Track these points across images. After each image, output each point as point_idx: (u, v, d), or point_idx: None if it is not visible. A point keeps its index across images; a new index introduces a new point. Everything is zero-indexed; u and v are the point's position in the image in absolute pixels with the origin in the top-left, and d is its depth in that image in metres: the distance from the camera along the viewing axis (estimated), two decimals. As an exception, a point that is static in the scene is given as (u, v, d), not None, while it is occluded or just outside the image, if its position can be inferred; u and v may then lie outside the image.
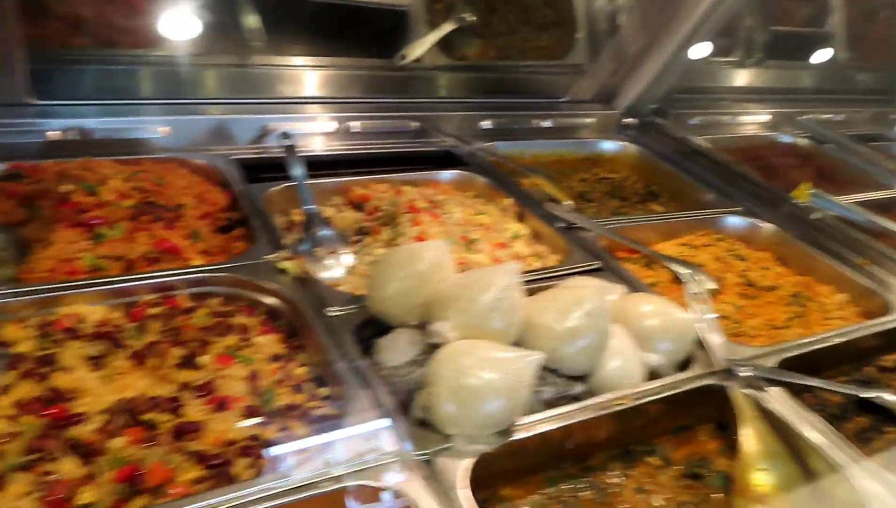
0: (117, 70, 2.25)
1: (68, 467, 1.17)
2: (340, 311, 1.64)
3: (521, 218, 2.28)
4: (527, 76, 3.12)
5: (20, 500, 1.11)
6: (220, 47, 2.42)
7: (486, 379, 1.35)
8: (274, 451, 1.26)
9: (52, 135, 2.03)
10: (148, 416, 1.28)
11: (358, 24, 2.68)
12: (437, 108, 2.81)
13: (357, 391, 1.42)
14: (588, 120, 3.13)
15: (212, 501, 1.12)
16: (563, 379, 1.54)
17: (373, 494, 1.23)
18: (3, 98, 2.01)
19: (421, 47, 2.78)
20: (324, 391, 1.47)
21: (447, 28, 2.85)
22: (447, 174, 2.44)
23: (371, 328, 1.62)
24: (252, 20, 2.44)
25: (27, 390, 1.28)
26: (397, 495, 1.22)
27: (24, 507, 1.10)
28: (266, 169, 2.24)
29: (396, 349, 1.54)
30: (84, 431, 1.22)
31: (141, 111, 2.19)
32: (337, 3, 2.64)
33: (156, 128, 2.17)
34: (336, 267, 1.90)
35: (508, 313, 1.49)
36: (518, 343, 1.50)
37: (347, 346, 1.53)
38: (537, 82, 3.14)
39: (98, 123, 2.11)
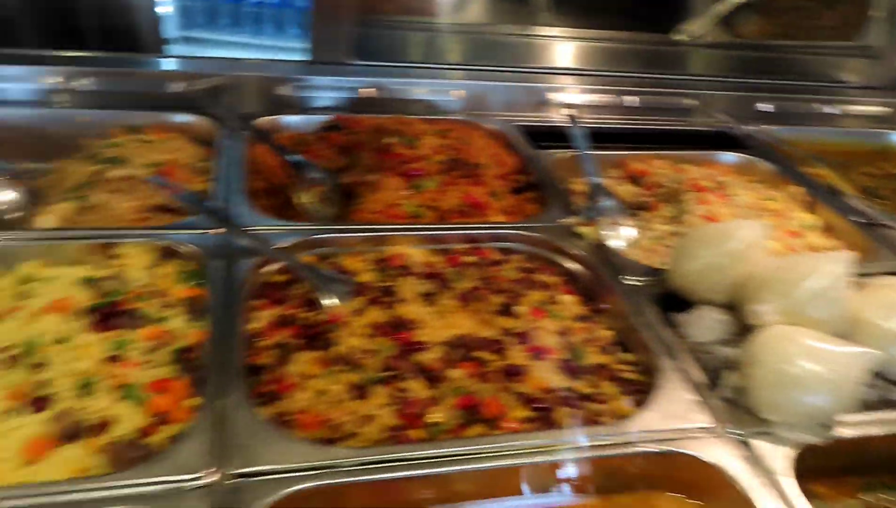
0: (418, 36, 2.42)
1: (417, 387, 1.30)
2: (637, 280, 1.66)
3: (811, 208, 2.14)
4: (810, 57, 2.90)
5: (381, 409, 1.26)
6: (508, 17, 2.51)
7: (811, 370, 1.29)
8: (593, 407, 1.32)
9: (364, 92, 2.23)
10: (478, 353, 1.38)
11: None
12: (713, 86, 2.71)
13: (664, 361, 1.42)
14: (878, 109, 2.83)
15: (546, 441, 1.20)
16: (884, 382, 1.44)
17: (691, 461, 1.24)
18: (329, 58, 2.24)
19: (702, 23, 2.69)
20: (628, 356, 1.50)
21: (731, 3, 2.72)
22: (728, 156, 2.35)
23: (669, 301, 1.62)
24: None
25: (376, 314, 1.44)
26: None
27: (384, 416, 1.25)
28: (546, 137, 2.30)
29: (702, 326, 1.52)
30: (427, 358, 1.36)
31: (438, 75, 2.34)
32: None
33: (450, 91, 2.30)
34: (619, 238, 1.93)
35: (834, 304, 1.41)
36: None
37: (649, 315, 1.55)
38: (822, 64, 2.91)
39: (401, 84, 2.29)
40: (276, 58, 2.35)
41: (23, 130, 1.95)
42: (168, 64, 2.11)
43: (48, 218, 1.61)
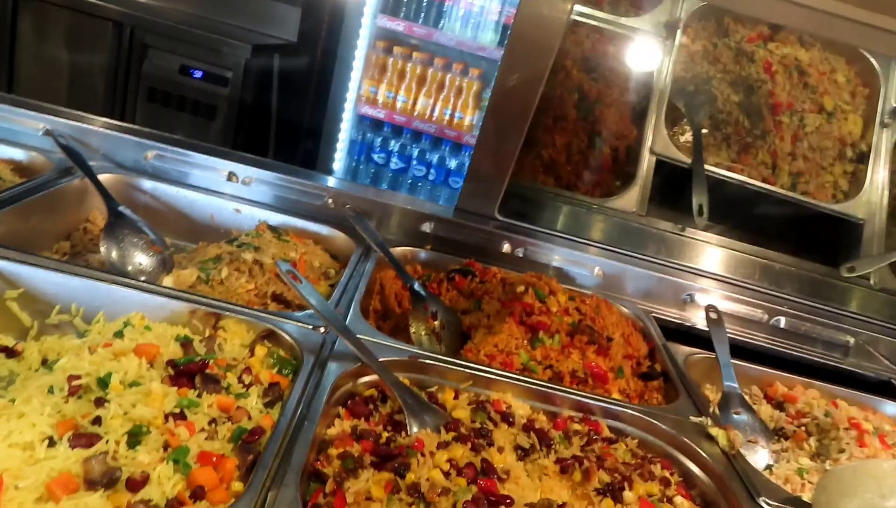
0: (568, 209, 2.42)
1: (490, 547, 1.08)
2: (776, 507, 1.37)
3: None
4: None
5: (442, 559, 1.04)
6: (664, 214, 2.47)
7: None
8: None
9: (505, 248, 2.20)
10: (570, 530, 1.15)
11: (807, 224, 2.53)
12: (875, 329, 2.43)
13: None
14: None
15: None
16: None
17: None
18: (475, 208, 2.26)
19: (873, 264, 2.49)
20: (752, 590, 1.20)
21: (905, 253, 2.52)
22: (893, 408, 2.03)
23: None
24: (700, 197, 2.45)
25: (463, 453, 1.26)
26: None
27: (443, 568, 1.03)
28: (680, 336, 2.13)
29: (859, 580, 1.19)
30: (510, 517, 1.14)
31: (579, 248, 2.28)
32: (790, 200, 2.55)
33: (591, 266, 2.22)
34: (755, 456, 1.66)
35: None
36: None
37: (788, 550, 1.25)
38: None
39: (540, 247, 2.24)
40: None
41: (185, 212, 2.07)
42: (327, 181, 2.22)
43: (169, 279, 1.62)
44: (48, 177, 1.87)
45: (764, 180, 2.61)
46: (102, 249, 1.73)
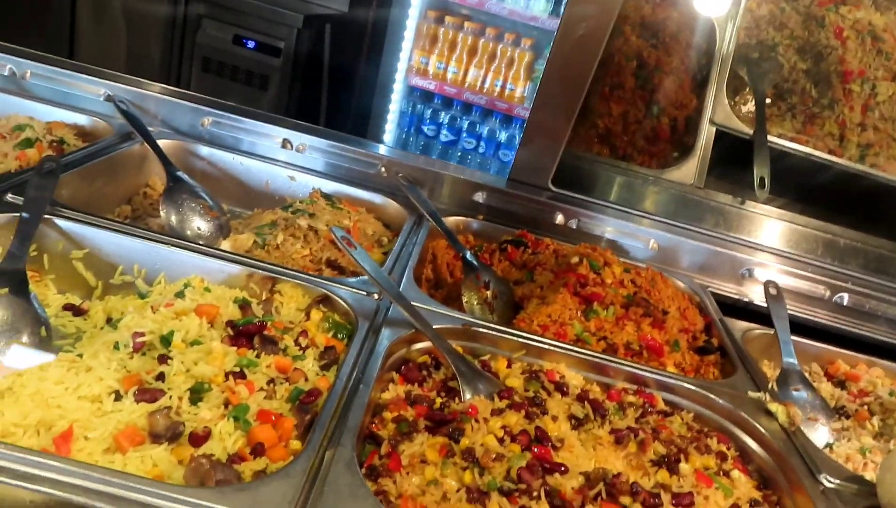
0: (624, 180, 2.36)
1: (544, 513, 1.07)
2: (840, 485, 1.33)
3: None
4: None
5: (496, 523, 1.04)
6: (723, 187, 2.40)
7: None
8: None
9: (558, 220, 2.17)
10: (624, 499, 1.13)
11: (875, 198, 2.42)
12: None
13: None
14: None
15: None
16: None
17: None
18: (529, 179, 2.23)
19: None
20: (811, 569, 1.17)
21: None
22: (965, 389, 1.93)
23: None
24: (762, 169, 2.36)
25: (517, 420, 1.25)
26: None
27: (497, 532, 1.03)
28: (737, 311, 2.08)
29: (927, 563, 1.15)
30: (564, 483, 1.13)
31: (634, 220, 2.23)
32: (858, 172, 2.44)
33: (646, 239, 2.17)
34: (816, 434, 1.61)
35: None
36: None
37: (851, 529, 1.21)
38: None
39: (594, 218, 2.20)
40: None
41: (241, 178, 2.10)
42: (379, 150, 2.21)
43: (226, 243, 1.65)
44: (109, 141, 1.91)
45: (830, 152, 2.50)
46: (162, 213, 1.77)
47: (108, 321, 1.36)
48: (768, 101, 2.56)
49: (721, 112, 2.47)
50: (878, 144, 2.53)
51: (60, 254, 1.49)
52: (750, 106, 2.56)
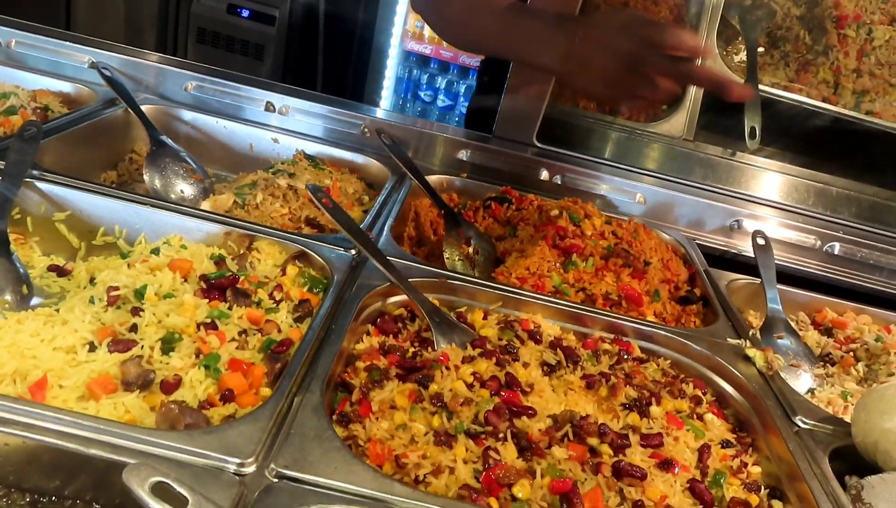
0: (611, 135, 2.35)
1: (509, 453, 1.09)
2: (815, 425, 1.34)
3: None
4: None
5: (461, 463, 1.07)
6: (713, 139, 2.38)
7: None
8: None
9: (543, 176, 2.17)
10: (591, 440, 1.15)
11: (871, 145, 2.39)
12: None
13: (830, 525, 1.09)
14: None
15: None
16: None
17: None
18: (512, 135, 2.22)
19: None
20: (778, 504, 1.18)
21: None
22: (954, 332, 1.93)
23: (844, 459, 1.29)
24: (753, 119, 2.34)
25: (486, 367, 1.27)
26: None
27: (462, 472, 1.05)
28: (726, 263, 2.08)
29: (894, 497, 1.17)
30: (531, 426, 1.15)
31: (621, 174, 2.22)
32: (853, 119, 2.40)
33: (634, 193, 2.17)
34: (797, 380, 1.62)
35: None
36: None
37: (822, 468, 1.22)
38: None
39: (580, 173, 2.20)
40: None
41: (225, 141, 2.11)
42: (362, 110, 2.21)
43: (206, 203, 1.67)
44: (93, 108, 1.93)
45: (825, 100, 2.46)
46: (146, 176, 1.78)
47: (91, 280, 1.38)
48: (761, 49, 2.52)
49: (712, 62, 2.43)
50: (874, 91, 2.49)
51: (43, 217, 1.52)
52: (742, 56, 2.52)
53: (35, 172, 1.53)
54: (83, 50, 2.14)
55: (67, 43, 2.14)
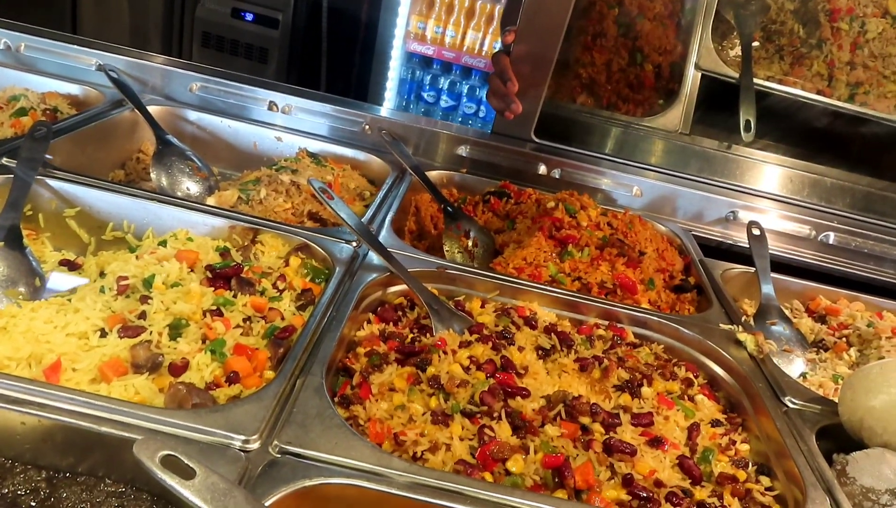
0: (608, 129, 2.39)
1: (503, 431, 1.14)
2: (803, 405, 1.38)
3: None
4: None
5: (457, 440, 1.11)
6: (709, 133, 2.41)
7: None
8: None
9: (541, 170, 2.21)
10: (583, 419, 1.19)
11: (865, 137, 2.42)
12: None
13: (814, 497, 1.13)
14: None
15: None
16: None
17: None
18: (511, 131, 2.27)
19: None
20: (766, 480, 1.22)
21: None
22: (946, 318, 1.96)
23: (833, 437, 1.32)
24: (748, 112, 2.37)
25: (482, 351, 1.31)
26: None
27: (458, 448, 1.10)
28: (722, 254, 2.11)
29: (878, 471, 1.20)
30: (525, 405, 1.19)
31: (618, 168, 2.26)
32: (847, 111, 2.44)
33: (631, 187, 2.21)
34: (788, 365, 1.66)
35: None
36: None
37: (808, 445, 1.26)
38: None
39: (578, 168, 2.24)
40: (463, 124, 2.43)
41: (229, 141, 2.16)
42: (363, 108, 2.26)
43: (211, 199, 1.72)
44: (100, 109, 1.98)
45: (819, 93, 2.49)
46: (153, 175, 1.84)
47: (101, 274, 1.43)
48: (756, 44, 2.56)
49: (707, 57, 2.48)
50: (867, 83, 2.52)
51: (54, 213, 1.57)
52: (737, 50, 2.56)
53: (46, 170, 1.58)
54: (90, 53, 2.19)
55: (75, 46, 2.20)
